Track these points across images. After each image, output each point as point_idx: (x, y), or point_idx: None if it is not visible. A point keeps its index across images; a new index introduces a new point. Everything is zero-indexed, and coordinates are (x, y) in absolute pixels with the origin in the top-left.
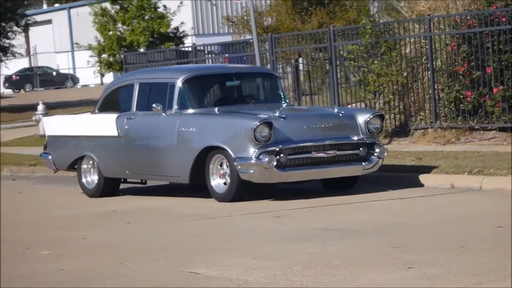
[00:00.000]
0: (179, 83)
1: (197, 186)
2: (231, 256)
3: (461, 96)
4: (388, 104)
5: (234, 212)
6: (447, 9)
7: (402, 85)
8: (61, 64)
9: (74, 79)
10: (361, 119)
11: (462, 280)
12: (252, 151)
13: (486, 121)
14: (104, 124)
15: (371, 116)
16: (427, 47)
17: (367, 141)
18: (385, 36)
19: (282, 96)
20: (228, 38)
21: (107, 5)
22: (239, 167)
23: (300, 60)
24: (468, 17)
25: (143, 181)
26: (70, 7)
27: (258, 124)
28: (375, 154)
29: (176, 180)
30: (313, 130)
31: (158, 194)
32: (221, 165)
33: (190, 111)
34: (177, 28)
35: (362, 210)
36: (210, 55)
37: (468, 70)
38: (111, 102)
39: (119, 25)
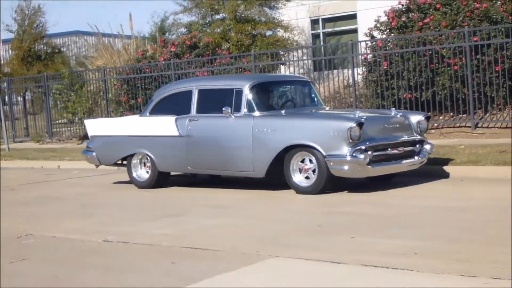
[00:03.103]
0: (246, 89)
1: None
2: None
3: None
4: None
5: None
6: (115, 64)
7: (89, 108)
8: None
9: None
10: (414, 120)
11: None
12: (346, 149)
13: None
14: (163, 125)
15: (423, 118)
16: (103, 85)
17: (419, 139)
18: (79, 79)
19: (319, 100)
20: None
21: None
22: (331, 163)
23: (27, 93)
24: (127, 69)
25: (194, 174)
26: None
27: (354, 125)
28: (424, 150)
29: (250, 174)
30: (386, 130)
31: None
32: (302, 162)
33: (258, 113)
34: None
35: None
36: None
37: (127, 99)
38: (164, 106)
39: None
